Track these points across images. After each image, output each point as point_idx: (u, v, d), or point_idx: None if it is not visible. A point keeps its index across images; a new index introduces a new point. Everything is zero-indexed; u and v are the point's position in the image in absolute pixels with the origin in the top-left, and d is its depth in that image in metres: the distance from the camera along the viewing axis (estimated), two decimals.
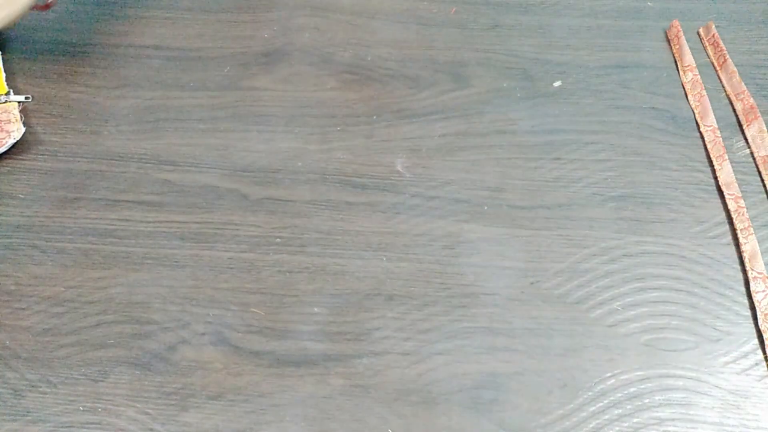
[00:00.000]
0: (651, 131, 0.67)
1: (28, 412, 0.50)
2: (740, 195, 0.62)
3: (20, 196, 0.60)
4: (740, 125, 0.68)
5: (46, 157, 0.63)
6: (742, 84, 0.69)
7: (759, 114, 0.67)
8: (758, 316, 0.55)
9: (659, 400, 0.51)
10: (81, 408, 0.50)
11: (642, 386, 0.52)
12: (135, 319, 0.54)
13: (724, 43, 0.73)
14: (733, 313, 0.56)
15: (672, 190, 0.63)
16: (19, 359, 0.52)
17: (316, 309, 0.55)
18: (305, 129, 0.65)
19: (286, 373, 0.52)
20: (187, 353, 0.52)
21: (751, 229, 0.59)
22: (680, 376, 0.52)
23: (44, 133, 0.65)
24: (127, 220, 0.59)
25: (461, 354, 0.53)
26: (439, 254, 0.58)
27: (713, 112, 0.68)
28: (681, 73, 0.72)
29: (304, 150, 0.64)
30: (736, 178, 0.63)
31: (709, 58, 0.73)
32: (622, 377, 0.52)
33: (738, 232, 0.59)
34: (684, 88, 0.70)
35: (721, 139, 0.66)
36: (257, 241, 0.58)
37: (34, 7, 0.65)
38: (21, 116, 0.64)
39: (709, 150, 0.65)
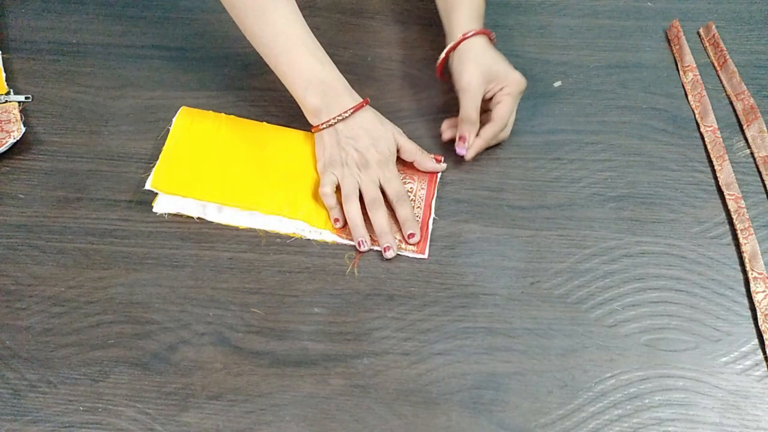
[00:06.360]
0: (651, 131, 0.67)
1: (28, 412, 0.49)
2: (740, 195, 0.62)
3: (20, 196, 0.60)
4: (740, 125, 0.68)
5: (46, 157, 0.63)
6: (743, 84, 0.69)
7: (759, 114, 0.67)
8: (758, 316, 0.55)
9: (659, 400, 0.51)
10: (81, 408, 0.50)
11: (642, 386, 0.52)
12: (135, 319, 0.54)
13: (725, 43, 0.73)
14: (733, 313, 0.56)
15: (672, 190, 0.63)
16: (19, 359, 0.52)
17: (316, 309, 0.55)
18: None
19: (286, 373, 0.52)
20: (187, 353, 0.52)
21: (751, 229, 0.59)
22: (680, 377, 0.52)
23: (44, 133, 0.65)
24: (127, 220, 0.59)
25: (461, 354, 0.53)
26: (439, 254, 0.58)
27: (713, 112, 0.68)
28: (681, 73, 0.72)
29: None
30: (736, 178, 0.63)
31: (709, 58, 0.73)
32: (622, 377, 0.52)
33: (738, 232, 0.59)
34: (684, 88, 0.70)
35: (721, 139, 0.66)
36: (257, 241, 0.58)
37: None
38: (21, 116, 0.64)
39: (709, 150, 0.65)
